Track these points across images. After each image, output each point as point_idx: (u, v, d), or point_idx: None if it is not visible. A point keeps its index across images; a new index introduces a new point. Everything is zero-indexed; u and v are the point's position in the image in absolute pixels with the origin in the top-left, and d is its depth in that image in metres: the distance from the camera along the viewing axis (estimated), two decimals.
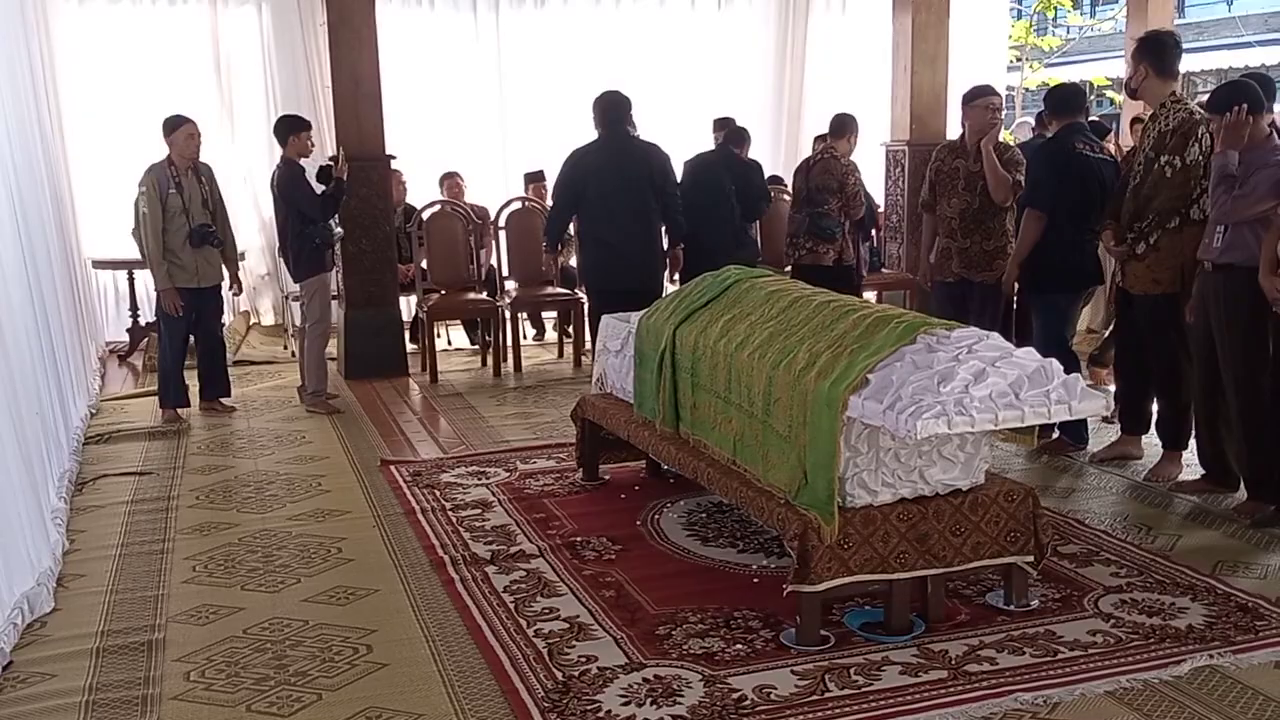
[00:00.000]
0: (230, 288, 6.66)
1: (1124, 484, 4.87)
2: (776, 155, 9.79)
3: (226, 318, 8.52)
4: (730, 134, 7.49)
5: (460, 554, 4.09)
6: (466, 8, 9.33)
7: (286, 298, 8.57)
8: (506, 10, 9.41)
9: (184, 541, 4.37)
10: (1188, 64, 15.20)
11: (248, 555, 4.19)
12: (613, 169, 6.13)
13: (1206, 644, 3.25)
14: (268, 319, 9.30)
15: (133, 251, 6.54)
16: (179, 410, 6.32)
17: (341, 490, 4.98)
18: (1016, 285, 5.44)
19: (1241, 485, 4.53)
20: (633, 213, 6.14)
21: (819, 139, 7.64)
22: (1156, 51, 4.80)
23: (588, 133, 6.34)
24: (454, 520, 4.48)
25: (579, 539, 4.21)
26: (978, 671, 3.11)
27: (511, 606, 3.61)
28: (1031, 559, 3.47)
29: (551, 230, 6.65)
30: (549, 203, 8.24)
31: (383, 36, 7.42)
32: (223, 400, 6.59)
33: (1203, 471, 4.72)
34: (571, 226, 6.76)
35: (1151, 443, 5.10)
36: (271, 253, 8.95)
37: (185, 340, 6.35)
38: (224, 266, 6.42)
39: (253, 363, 8.06)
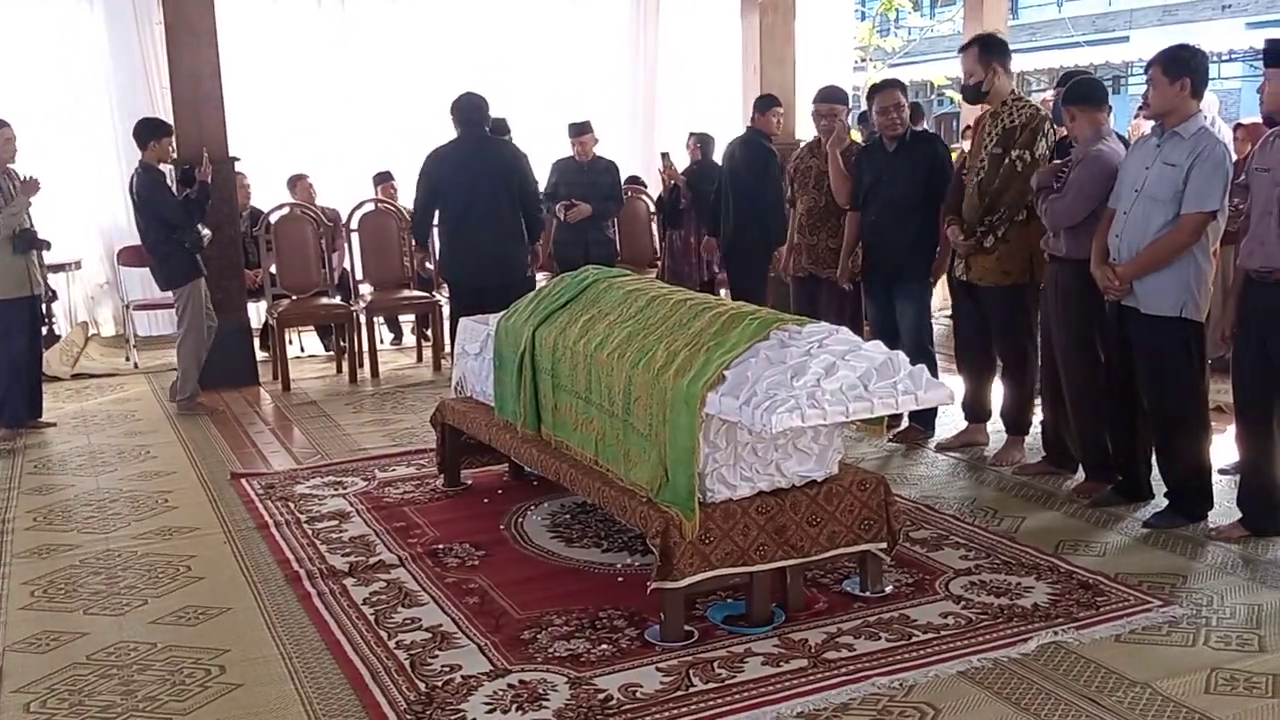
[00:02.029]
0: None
1: (970, 469, 5.05)
2: (631, 153, 9.83)
3: (63, 329, 8.15)
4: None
5: (317, 567, 3.98)
6: (313, 5, 9.10)
7: (127, 307, 8.21)
8: (354, 3, 9.21)
9: (20, 566, 4.14)
10: (1021, 64, 15.92)
11: (90, 577, 4.00)
12: (469, 168, 6.11)
13: (1051, 621, 3.39)
14: (108, 330, 8.91)
15: None
16: (15, 429, 5.99)
17: (189, 506, 4.80)
18: (858, 279, 5.62)
19: (1080, 467, 4.75)
20: (489, 211, 6.12)
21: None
22: (1003, 50, 5.02)
23: (441, 130, 6.28)
24: (310, 533, 4.37)
25: (441, 546, 4.15)
26: (836, 658, 3.18)
27: (371, 619, 3.54)
28: (885, 546, 3.56)
29: (417, 231, 6.63)
30: (400, 203, 8.17)
31: (223, 32, 7.17)
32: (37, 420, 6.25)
33: (1043, 454, 4.94)
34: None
35: (995, 429, 5.31)
36: (111, 260, 8.58)
37: (26, 352, 6.01)
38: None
39: (93, 376, 7.70)
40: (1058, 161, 4.68)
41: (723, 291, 8.23)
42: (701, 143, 8.00)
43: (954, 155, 5.75)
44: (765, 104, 7.11)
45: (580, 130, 7.66)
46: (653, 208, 8.69)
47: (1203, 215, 3.99)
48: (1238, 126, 7.17)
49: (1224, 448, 4.60)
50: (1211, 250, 4.13)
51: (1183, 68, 4.03)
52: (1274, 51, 3.77)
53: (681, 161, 8.13)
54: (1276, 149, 3.81)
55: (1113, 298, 4.24)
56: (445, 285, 7.02)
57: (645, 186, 9.05)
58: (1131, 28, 21.42)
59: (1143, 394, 4.26)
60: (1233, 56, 16.67)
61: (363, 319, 7.52)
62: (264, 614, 3.63)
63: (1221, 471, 4.54)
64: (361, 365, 7.48)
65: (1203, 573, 3.76)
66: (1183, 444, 4.19)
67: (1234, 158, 4.17)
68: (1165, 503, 4.28)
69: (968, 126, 7.49)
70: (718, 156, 8.11)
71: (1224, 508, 4.21)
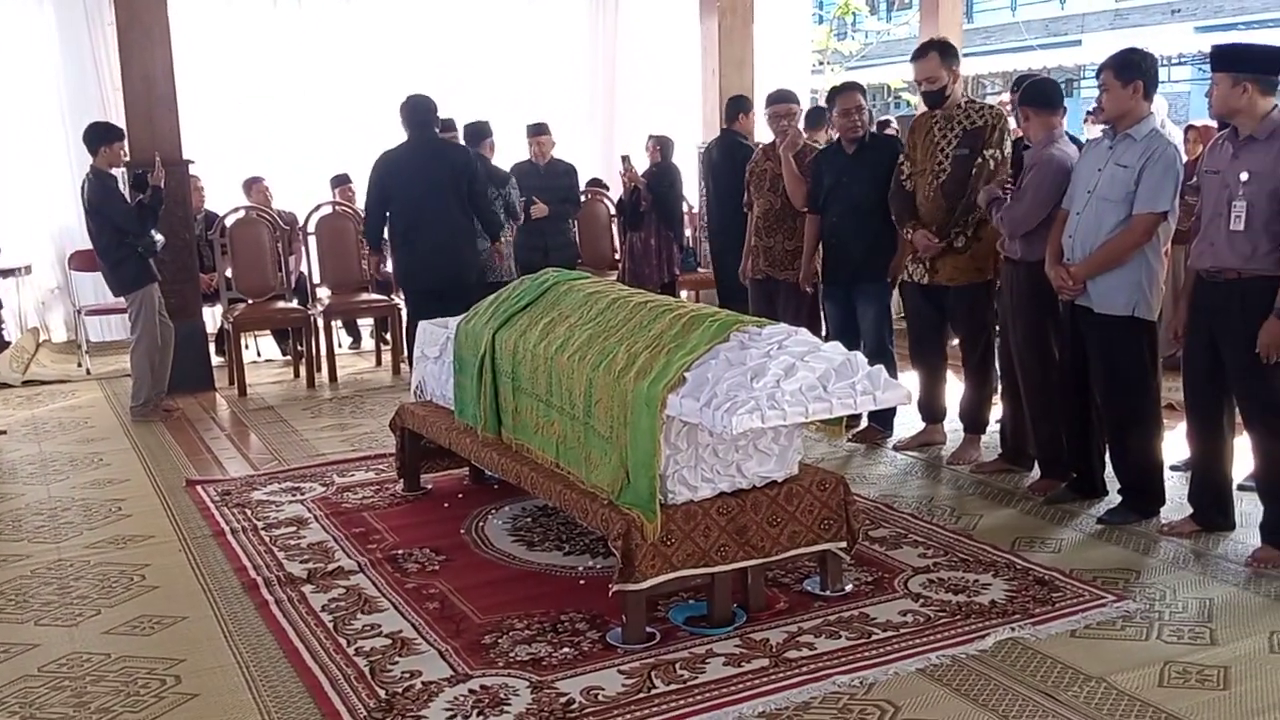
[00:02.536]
0: None
1: (928, 468, 5.10)
2: (591, 155, 9.83)
3: (13, 335, 8.02)
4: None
5: (274, 574, 3.94)
6: (268, 5, 9.02)
7: (79, 312, 8.10)
8: (311, 3, 9.14)
9: None
10: (976, 67, 16.09)
11: (41, 588, 3.93)
12: (419, 170, 6.09)
13: (1008, 617, 3.42)
14: (59, 335, 8.78)
15: None
16: None
17: (144, 514, 4.73)
18: (817, 281, 5.65)
19: (1036, 465, 4.80)
20: (439, 213, 6.10)
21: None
22: (956, 54, 5.08)
23: (398, 132, 6.24)
24: (267, 540, 4.32)
25: (401, 552, 4.12)
26: (797, 658, 3.20)
27: (330, 626, 3.51)
28: (845, 545, 3.58)
29: (369, 234, 6.56)
30: (358, 206, 8.12)
31: (176, 33, 7.08)
32: None
33: (999, 452, 4.99)
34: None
35: (953, 428, 5.36)
36: (62, 265, 8.46)
37: None
38: None
39: (44, 382, 7.58)
40: (1002, 177, 4.76)
41: (684, 293, 8.26)
42: (660, 145, 8.02)
43: None
44: (741, 106, 7.08)
45: (537, 131, 7.65)
46: (613, 210, 8.69)
47: (1154, 216, 4.05)
48: (1189, 129, 7.28)
49: (1176, 445, 4.67)
50: (1163, 250, 4.19)
51: (1134, 70, 4.09)
52: (1220, 55, 3.84)
53: (641, 164, 8.14)
54: (1225, 151, 3.87)
55: (1066, 297, 4.29)
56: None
57: (606, 189, 9.06)
58: (1084, 31, 21.71)
59: (1096, 392, 4.32)
60: (1182, 60, 16.94)
61: (320, 323, 7.47)
62: (220, 622, 3.59)
63: (1173, 468, 4.61)
64: (319, 370, 7.42)
65: (1155, 568, 3.82)
66: (1135, 442, 4.26)
67: (1184, 159, 4.23)
68: (1119, 499, 4.34)
69: None
70: (678, 159, 8.15)
71: (1176, 503, 4.27)
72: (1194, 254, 3.98)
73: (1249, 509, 4.07)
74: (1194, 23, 19.47)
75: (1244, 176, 3.74)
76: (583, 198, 8.29)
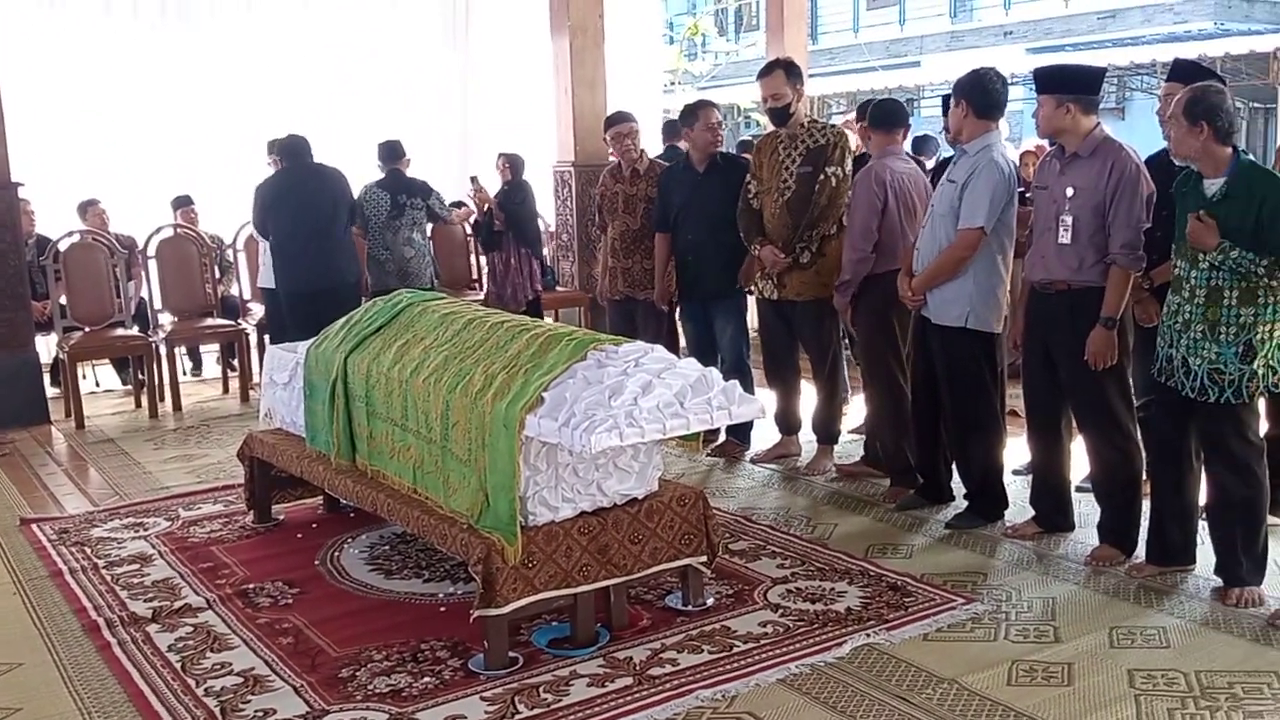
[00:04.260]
0: None
1: (785, 480, 5.19)
2: (446, 176, 9.72)
3: None
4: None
5: (117, 615, 3.76)
6: (100, 14, 8.63)
7: None
8: (147, 14, 8.78)
9: None
10: (821, 87, 16.54)
11: None
12: (296, 191, 6.51)
13: (864, 624, 3.51)
14: None
15: None
16: None
17: None
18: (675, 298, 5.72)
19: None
20: (318, 229, 6.48)
21: None
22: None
23: (246, 151, 6.19)
24: (108, 579, 4.12)
25: (251, 586, 3.99)
26: (661, 674, 3.21)
27: (178, 666, 3.36)
28: (705, 559, 3.62)
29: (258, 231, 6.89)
30: (202, 229, 7.89)
31: (4, 45, 6.74)
32: None
33: (857, 458, 5.14)
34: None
35: (808, 439, 5.47)
36: None
37: None
38: None
39: None
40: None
41: (547, 315, 8.23)
42: (510, 163, 7.96)
43: None
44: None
45: (384, 155, 7.53)
46: (468, 230, 8.63)
47: (973, 231, 4.23)
48: (1025, 154, 7.65)
49: (1020, 450, 4.87)
50: (1001, 263, 4.35)
51: (960, 90, 4.31)
52: (1043, 77, 4.03)
53: (493, 183, 8.08)
54: (1053, 168, 4.07)
55: (911, 307, 4.46)
56: (265, 305, 7.12)
57: (463, 208, 8.97)
58: (923, 53, 22.53)
59: (943, 400, 4.49)
60: (1014, 80, 17.74)
61: (163, 350, 7.18)
62: (59, 668, 3.40)
63: (1015, 472, 4.82)
64: (162, 399, 7.14)
65: (1001, 569, 3.97)
66: (977, 448, 4.43)
67: (1010, 174, 4.36)
68: (965, 504, 4.51)
69: None
70: (534, 177, 8.11)
71: (1019, 507, 4.45)
72: (1027, 266, 4.18)
73: (1087, 510, 4.27)
74: (1025, 44, 20.41)
75: (1070, 192, 3.94)
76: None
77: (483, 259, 8.81)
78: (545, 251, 8.40)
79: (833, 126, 5.18)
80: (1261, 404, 3.69)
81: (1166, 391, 3.66)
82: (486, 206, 7.84)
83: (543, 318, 7.19)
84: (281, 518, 4.75)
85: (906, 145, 5.38)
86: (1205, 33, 17.19)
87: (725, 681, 3.15)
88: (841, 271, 4.87)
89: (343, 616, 3.71)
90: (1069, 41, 19.29)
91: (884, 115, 4.86)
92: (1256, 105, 17.59)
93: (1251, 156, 3.60)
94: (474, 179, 8.01)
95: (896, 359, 4.78)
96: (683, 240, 5.51)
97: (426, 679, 3.22)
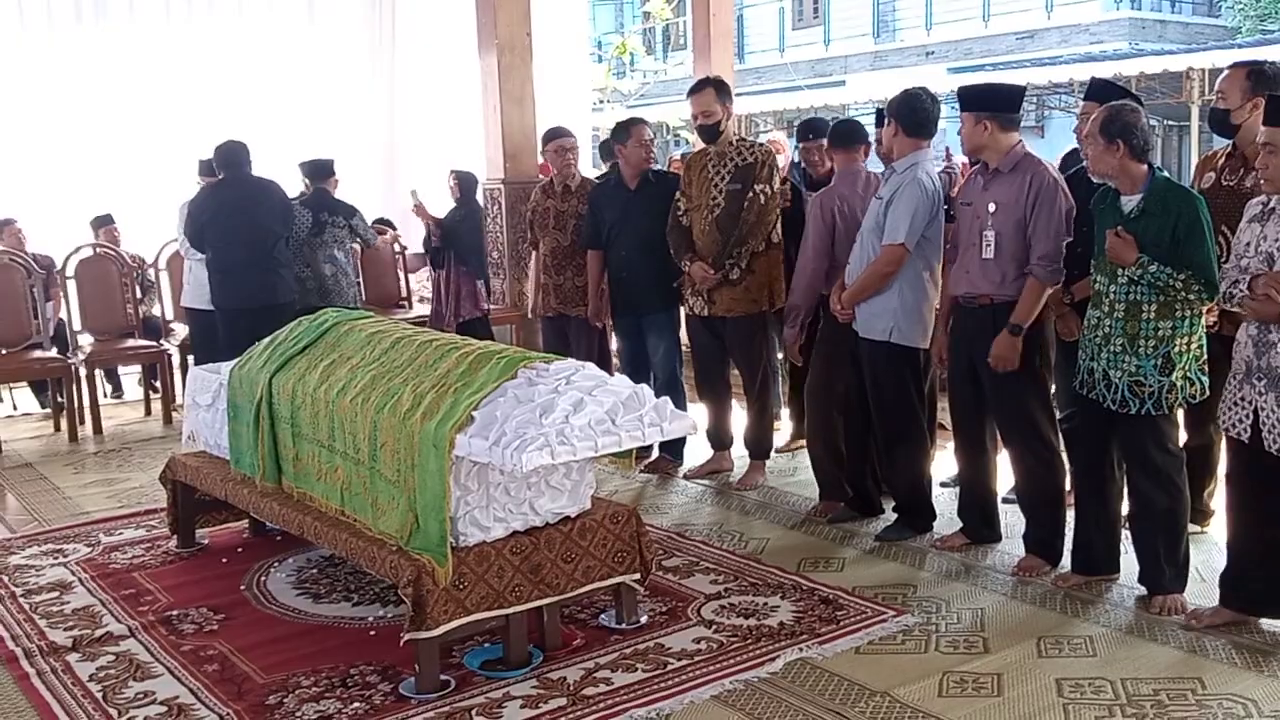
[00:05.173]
0: None
1: (717, 495, 5.20)
2: (374, 193, 9.61)
3: None
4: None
5: (36, 644, 3.64)
6: (13, 20, 8.38)
7: None
8: (63, 25, 8.56)
9: None
10: (748, 106, 16.69)
11: None
12: (237, 203, 6.36)
13: (796, 638, 3.52)
14: None
15: None
16: None
17: None
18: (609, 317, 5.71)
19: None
20: (257, 241, 6.34)
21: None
22: (730, 92, 5.24)
23: (168, 167, 6.05)
24: (26, 607, 4.00)
25: (175, 612, 3.89)
26: (595, 694, 3.19)
27: (99, 696, 3.27)
28: (639, 577, 3.61)
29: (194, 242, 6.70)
30: (124, 249, 7.71)
31: None
32: None
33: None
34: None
35: (739, 454, 5.50)
36: None
37: None
38: None
39: None
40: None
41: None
42: (460, 180, 7.88)
43: None
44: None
45: (310, 173, 7.42)
46: (397, 248, 8.55)
47: (895, 247, 4.30)
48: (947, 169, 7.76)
49: (950, 463, 4.93)
50: (927, 279, 4.42)
51: (891, 109, 4.38)
52: (964, 96, 4.11)
53: (442, 199, 7.99)
54: (977, 184, 4.15)
55: (841, 320, 4.52)
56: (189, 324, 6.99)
57: (393, 227, 8.88)
58: (847, 72, 22.86)
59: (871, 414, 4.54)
60: (936, 100, 18.05)
61: (82, 372, 7.01)
62: None
63: (942, 484, 4.88)
64: (82, 422, 6.96)
65: (930, 581, 4.02)
66: (904, 460, 4.49)
67: (934, 191, 4.43)
68: (894, 516, 4.55)
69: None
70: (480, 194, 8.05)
71: (947, 518, 4.51)
72: (951, 280, 4.25)
73: (1014, 521, 4.33)
74: (946, 64, 20.82)
75: (992, 207, 4.02)
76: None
77: (412, 277, 8.77)
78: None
79: (760, 144, 5.23)
80: (1181, 415, 3.78)
81: (1089, 404, 3.73)
82: (426, 223, 7.77)
83: (483, 339, 7.08)
84: (206, 542, 4.65)
85: None
86: (1120, 53, 17.67)
87: (659, 700, 3.14)
88: (790, 295, 4.89)
89: (270, 642, 3.63)
90: (989, 61, 19.72)
91: (843, 135, 4.90)
92: (1171, 123, 18.13)
93: (1167, 174, 3.70)
94: (414, 192, 7.95)
95: (825, 377, 4.81)
96: (615, 257, 5.51)
97: (356, 704, 3.16)
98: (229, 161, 6.47)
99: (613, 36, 23.89)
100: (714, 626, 3.64)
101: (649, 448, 5.43)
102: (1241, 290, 3.29)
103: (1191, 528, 3.85)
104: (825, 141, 5.24)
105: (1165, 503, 3.67)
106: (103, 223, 8.07)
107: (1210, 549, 4.07)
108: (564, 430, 3.13)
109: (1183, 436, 3.89)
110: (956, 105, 4.16)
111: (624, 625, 3.62)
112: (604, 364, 5.65)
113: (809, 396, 4.85)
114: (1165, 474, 3.66)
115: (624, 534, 3.56)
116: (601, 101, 15.11)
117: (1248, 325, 3.35)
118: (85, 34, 8.64)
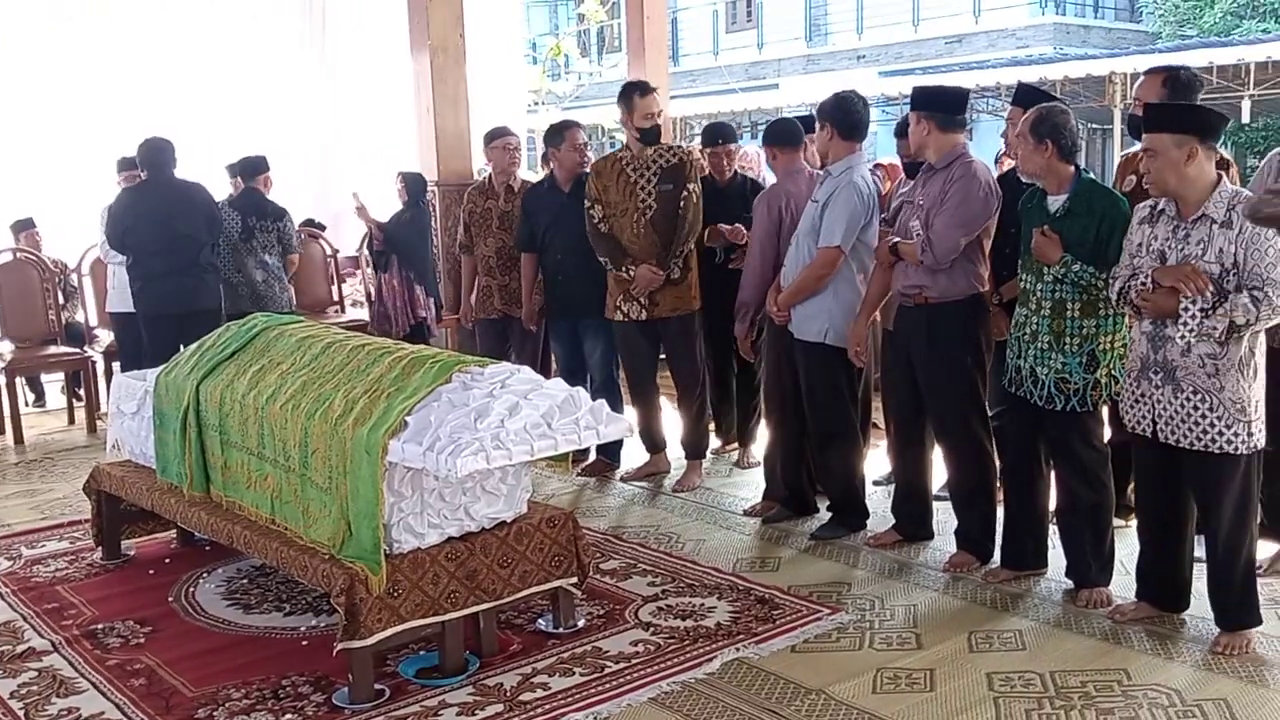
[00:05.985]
0: None
1: (654, 497, 5.21)
2: (306, 196, 9.48)
3: None
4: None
5: None
6: None
7: None
8: None
9: None
10: (682, 109, 16.73)
11: None
12: (162, 205, 6.22)
13: (733, 638, 3.53)
14: None
15: None
16: None
17: None
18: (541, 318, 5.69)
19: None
20: (181, 245, 6.23)
21: None
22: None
23: (91, 168, 5.90)
24: None
25: (100, 626, 3.80)
26: (532, 699, 3.17)
27: (21, 714, 3.18)
28: (576, 580, 3.60)
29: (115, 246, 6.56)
30: (45, 254, 7.53)
31: None
32: None
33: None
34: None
35: (676, 455, 5.50)
36: None
37: None
38: None
39: None
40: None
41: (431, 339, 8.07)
42: (406, 182, 7.80)
43: None
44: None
45: (242, 170, 7.32)
46: (329, 251, 8.44)
47: (830, 249, 4.35)
48: (877, 166, 7.83)
49: (880, 461, 4.99)
50: (860, 281, 4.46)
51: (822, 113, 4.41)
52: (913, 97, 4.18)
53: (383, 200, 7.90)
54: (918, 183, 4.17)
55: (778, 322, 4.55)
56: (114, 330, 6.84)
57: (323, 229, 8.77)
58: (780, 75, 23.02)
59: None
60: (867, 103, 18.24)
61: (2, 380, 6.83)
62: None
63: (875, 483, 4.93)
64: (2, 431, 6.79)
65: (864, 579, 4.06)
66: (836, 460, 4.53)
67: (869, 194, 4.47)
68: (829, 516, 4.59)
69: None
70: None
71: (881, 516, 4.56)
72: (895, 276, 4.26)
73: (945, 518, 4.39)
74: (877, 68, 21.04)
75: (921, 201, 4.08)
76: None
77: (346, 282, 8.66)
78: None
79: (681, 147, 5.28)
80: (1105, 411, 3.86)
81: (1017, 401, 3.80)
82: (368, 225, 7.71)
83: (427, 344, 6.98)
84: (132, 553, 4.54)
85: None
86: (1046, 57, 18.00)
87: (597, 704, 3.13)
88: (740, 291, 4.89)
89: (199, 655, 3.56)
90: (918, 65, 19.95)
91: (781, 135, 4.90)
92: (1095, 126, 18.51)
93: (1092, 175, 3.78)
94: (355, 194, 7.85)
95: (769, 377, 4.84)
96: (551, 260, 5.48)
97: (289, 716, 3.11)
98: (152, 161, 6.30)
99: (547, 38, 23.83)
100: (651, 628, 3.64)
101: (586, 451, 5.42)
102: (1140, 283, 3.32)
103: (1116, 522, 3.92)
104: (733, 147, 5.40)
105: (1091, 498, 3.74)
106: (23, 227, 7.88)
107: (1134, 543, 4.15)
108: (499, 434, 3.11)
109: (1107, 433, 3.97)
110: (885, 109, 4.21)
111: (561, 629, 3.61)
112: (545, 366, 5.64)
113: (766, 399, 4.89)
114: (1091, 470, 3.73)
115: (561, 538, 3.54)
116: (536, 103, 15.06)
117: (1142, 322, 3.41)
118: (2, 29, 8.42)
